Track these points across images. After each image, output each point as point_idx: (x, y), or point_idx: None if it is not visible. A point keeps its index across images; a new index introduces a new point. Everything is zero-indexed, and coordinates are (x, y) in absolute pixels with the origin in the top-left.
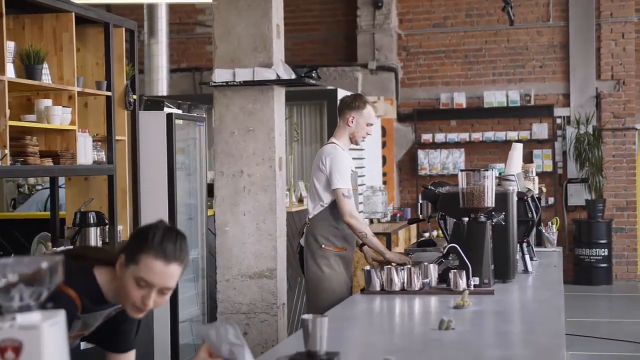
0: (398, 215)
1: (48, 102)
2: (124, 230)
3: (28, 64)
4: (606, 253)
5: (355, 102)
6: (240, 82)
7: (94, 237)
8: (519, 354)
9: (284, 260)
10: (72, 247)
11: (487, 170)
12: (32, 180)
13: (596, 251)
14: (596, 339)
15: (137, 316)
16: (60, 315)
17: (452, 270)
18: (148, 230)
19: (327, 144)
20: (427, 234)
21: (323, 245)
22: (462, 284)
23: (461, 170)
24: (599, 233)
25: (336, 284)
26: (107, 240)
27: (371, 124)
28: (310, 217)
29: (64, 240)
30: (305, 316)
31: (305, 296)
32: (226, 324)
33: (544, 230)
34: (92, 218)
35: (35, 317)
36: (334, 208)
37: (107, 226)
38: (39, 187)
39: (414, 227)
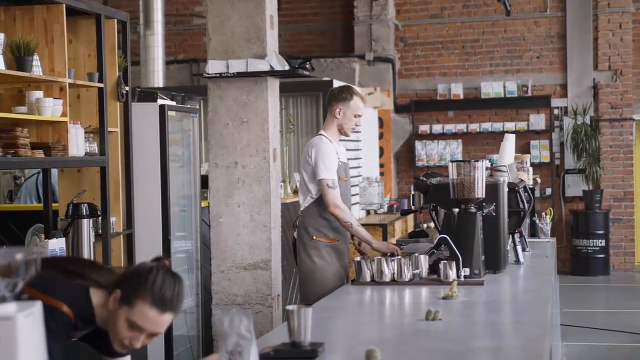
0: (395, 206)
1: (39, 93)
2: (116, 222)
3: (18, 56)
4: (603, 244)
5: (342, 93)
6: (233, 73)
7: (87, 228)
8: (503, 344)
9: (278, 251)
10: (68, 257)
11: (478, 161)
12: (28, 172)
13: (593, 242)
14: (593, 329)
15: (121, 351)
16: (36, 306)
17: (443, 261)
18: (149, 272)
19: (315, 136)
20: (424, 225)
21: (314, 237)
22: (452, 274)
23: (451, 161)
24: (596, 224)
25: (329, 274)
26: (99, 232)
27: (359, 115)
28: (301, 209)
29: (56, 232)
30: (290, 307)
31: (298, 287)
32: (242, 315)
33: (537, 222)
34: (84, 210)
35: (10, 308)
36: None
37: (99, 218)
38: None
39: (410, 218)
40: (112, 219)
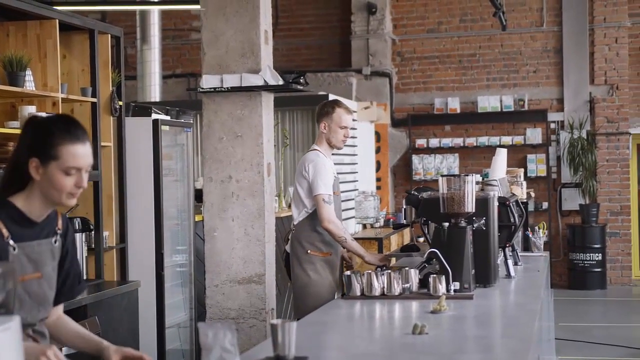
0: (392, 220)
1: (32, 108)
2: (109, 236)
3: (11, 71)
4: (600, 258)
5: (324, 108)
6: (228, 88)
7: (80, 243)
8: (488, 358)
9: (272, 265)
10: None
11: (468, 175)
12: None
13: (590, 256)
14: (589, 343)
15: (71, 203)
16: (14, 321)
17: (432, 275)
18: (47, 125)
19: (309, 151)
20: (421, 239)
21: (309, 251)
22: (442, 288)
23: (442, 176)
24: (593, 238)
25: (322, 288)
26: (92, 246)
27: (345, 127)
28: (295, 223)
29: None
30: (274, 321)
31: (292, 301)
32: (226, 329)
33: (530, 236)
34: (77, 224)
35: None
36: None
37: (92, 232)
38: None
39: (407, 232)
40: (105, 233)
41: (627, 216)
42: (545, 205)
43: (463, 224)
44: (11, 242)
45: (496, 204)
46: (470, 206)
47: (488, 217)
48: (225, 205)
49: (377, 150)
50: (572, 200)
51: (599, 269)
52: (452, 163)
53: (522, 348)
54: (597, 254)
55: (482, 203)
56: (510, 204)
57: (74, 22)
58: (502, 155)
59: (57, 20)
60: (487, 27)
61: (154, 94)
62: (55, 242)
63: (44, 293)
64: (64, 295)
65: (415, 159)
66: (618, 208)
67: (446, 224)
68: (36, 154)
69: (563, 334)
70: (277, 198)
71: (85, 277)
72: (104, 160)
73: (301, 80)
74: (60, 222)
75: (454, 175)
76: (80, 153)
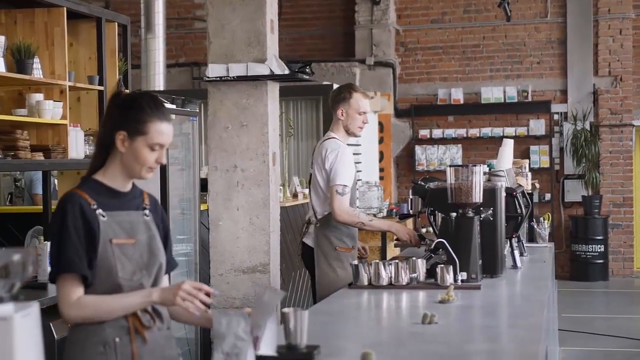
0: (395, 210)
1: (39, 96)
2: None
3: (19, 59)
4: (602, 249)
5: (341, 93)
6: (233, 77)
7: None
8: (499, 348)
9: (277, 255)
10: None
11: (475, 166)
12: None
13: (592, 247)
14: (591, 334)
15: (148, 176)
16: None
17: (440, 265)
18: (138, 100)
19: (327, 140)
20: (424, 230)
21: (337, 247)
22: (449, 278)
23: (449, 166)
24: (595, 229)
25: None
26: None
27: (364, 112)
28: (318, 216)
29: None
30: (286, 310)
31: (316, 296)
32: (240, 317)
33: (535, 226)
34: None
35: (7, 308)
36: None
37: None
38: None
39: (410, 222)
40: None
41: (629, 208)
42: (548, 196)
43: (470, 214)
44: (99, 210)
45: (503, 194)
46: (478, 196)
47: (495, 207)
48: (230, 194)
49: (380, 141)
50: (574, 191)
51: (601, 261)
52: (455, 154)
53: (532, 338)
54: (599, 246)
55: (490, 193)
56: (517, 195)
57: (81, 10)
58: (508, 146)
59: (65, 8)
60: (491, 17)
61: (158, 82)
62: (145, 215)
63: (143, 259)
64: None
65: (418, 149)
66: (621, 200)
67: (454, 214)
68: (125, 127)
69: (565, 325)
70: (281, 188)
71: None
72: None
73: (307, 70)
74: (147, 199)
75: (461, 166)
76: (166, 131)
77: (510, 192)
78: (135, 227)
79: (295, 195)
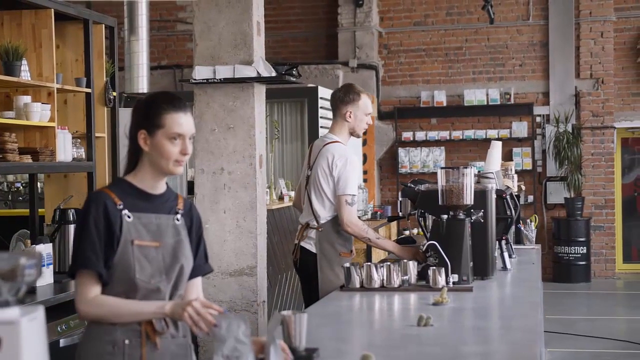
0: (379, 213)
1: (27, 98)
2: None
3: (7, 61)
4: (585, 251)
5: (349, 94)
6: (220, 79)
7: (73, 234)
8: (496, 349)
9: (264, 257)
10: None
11: (467, 168)
12: (11, 177)
13: (575, 249)
14: (574, 336)
15: (178, 171)
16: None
17: (432, 268)
18: (152, 99)
19: (332, 143)
20: (407, 232)
21: (341, 253)
22: (442, 281)
23: (441, 168)
24: (577, 231)
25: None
26: None
27: (369, 113)
28: (321, 221)
29: (43, 237)
30: (285, 312)
31: (309, 301)
32: (240, 320)
33: (522, 228)
34: (71, 215)
35: (13, 312)
36: None
37: None
38: (18, 185)
39: (394, 224)
40: None
41: (611, 210)
42: (530, 198)
43: (462, 216)
44: (125, 211)
45: (494, 196)
46: (469, 198)
47: (486, 209)
48: (217, 197)
49: (364, 143)
50: (557, 193)
51: (583, 262)
52: (438, 156)
53: (529, 340)
54: (581, 247)
55: (481, 195)
56: (507, 197)
57: (69, 11)
58: (497, 148)
59: (53, 10)
60: (473, 20)
61: (142, 85)
62: (177, 219)
63: (165, 263)
64: (193, 272)
65: (401, 152)
66: (602, 202)
67: (445, 217)
68: (143, 126)
69: (549, 326)
70: (267, 190)
71: None
72: (98, 151)
73: (294, 72)
74: (181, 204)
75: (452, 168)
76: (183, 121)
77: (500, 194)
78: (162, 231)
79: (281, 198)
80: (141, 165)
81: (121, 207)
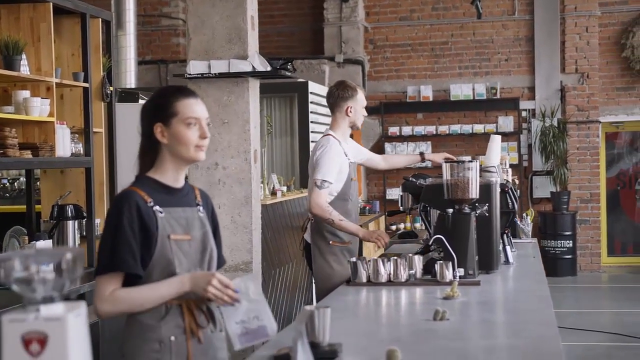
0: (367, 208)
1: (26, 93)
2: (101, 224)
3: (7, 55)
4: (571, 245)
5: (347, 91)
6: (215, 74)
7: (72, 230)
8: (518, 343)
9: (259, 253)
10: None
11: (472, 161)
12: (13, 173)
13: (561, 243)
14: (562, 329)
15: (200, 156)
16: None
17: (439, 262)
18: (161, 93)
19: (322, 137)
20: (393, 227)
21: (331, 242)
22: (449, 275)
23: (445, 162)
24: (563, 225)
25: (345, 278)
26: (84, 234)
27: (365, 105)
28: (313, 212)
29: (41, 233)
30: (309, 307)
31: (315, 292)
32: (247, 281)
33: (519, 222)
34: (69, 211)
35: (59, 308)
36: (338, 201)
37: (84, 219)
38: (5, 181)
39: (382, 219)
40: (97, 221)
41: (596, 204)
42: (517, 192)
43: (467, 210)
44: (156, 207)
45: (498, 190)
46: (474, 192)
47: (491, 203)
48: (211, 192)
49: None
50: (543, 187)
51: (569, 256)
52: (424, 151)
53: (550, 333)
54: (567, 241)
55: (485, 189)
56: (509, 190)
57: (67, 5)
58: (496, 142)
59: (51, 4)
60: (459, 15)
61: (130, 80)
62: (200, 212)
63: (197, 256)
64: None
65: (388, 146)
66: (588, 196)
67: (450, 210)
68: (158, 119)
69: None
70: (261, 186)
71: None
72: (95, 146)
73: (289, 67)
74: (199, 195)
75: (457, 162)
76: (196, 105)
77: (503, 188)
78: (191, 224)
79: (274, 193)
80: (161, 159)
81: (152, 204)
